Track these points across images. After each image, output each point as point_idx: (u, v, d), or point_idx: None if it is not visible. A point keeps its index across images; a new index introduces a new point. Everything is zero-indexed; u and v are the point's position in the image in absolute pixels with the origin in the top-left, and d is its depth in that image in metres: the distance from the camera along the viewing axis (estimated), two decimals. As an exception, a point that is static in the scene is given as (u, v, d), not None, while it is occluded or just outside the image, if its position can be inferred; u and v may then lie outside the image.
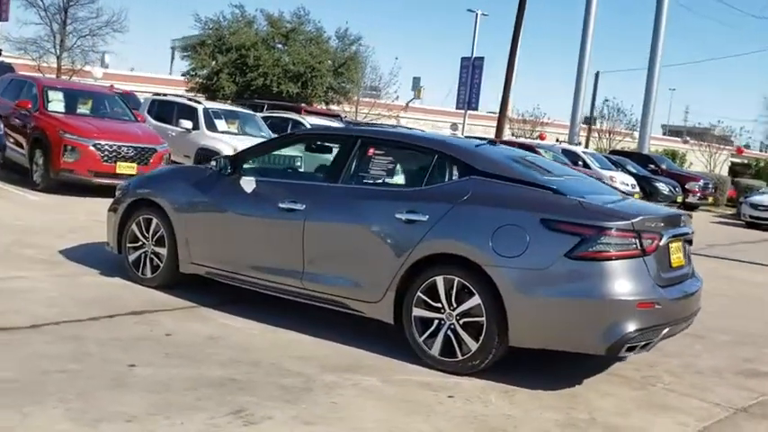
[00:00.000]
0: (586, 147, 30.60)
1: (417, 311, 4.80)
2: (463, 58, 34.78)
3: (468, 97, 34.26)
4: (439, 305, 4.71)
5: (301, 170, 6.56)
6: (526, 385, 4.57)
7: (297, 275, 5.32)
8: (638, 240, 4.40)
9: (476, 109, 36.89)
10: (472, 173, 4.90)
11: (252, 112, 15.63)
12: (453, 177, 5.01)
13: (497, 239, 4.51)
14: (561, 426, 4.03)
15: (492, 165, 4.96)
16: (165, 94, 16.05)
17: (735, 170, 44.98)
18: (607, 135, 38.73)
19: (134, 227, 6.28)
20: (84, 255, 7.08)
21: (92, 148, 11.12)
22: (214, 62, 26.00)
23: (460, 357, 4.62)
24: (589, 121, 41.49)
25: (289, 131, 16.41)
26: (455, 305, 4.64)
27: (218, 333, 5.09)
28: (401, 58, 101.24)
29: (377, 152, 5.34)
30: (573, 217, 4.43)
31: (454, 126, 38.41)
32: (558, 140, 26.59)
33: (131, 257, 6.28)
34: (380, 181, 5.27)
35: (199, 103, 14.62)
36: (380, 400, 4.11)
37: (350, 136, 5.54)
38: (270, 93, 25.41)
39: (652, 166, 26.74)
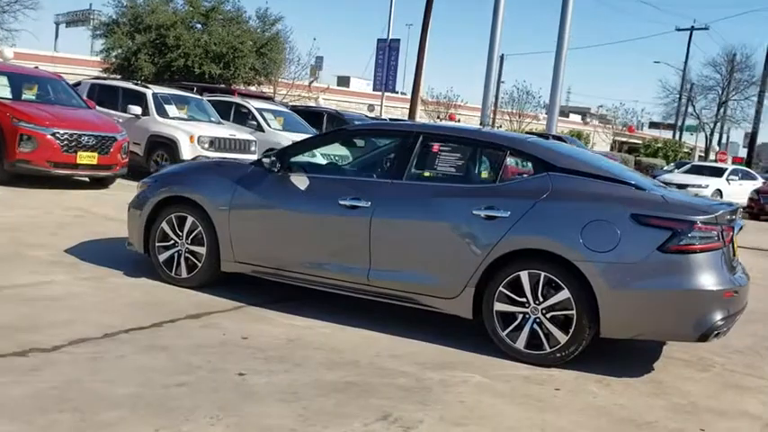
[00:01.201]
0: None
1: (499, 306, 4.88)
2: (379, 40, 34.76)
3: (384, 79, 34.34)
4: (523, 299, 4.81)
5: (356, 166, 6.44)
6: (612, 373, 4.76)
7: (362, 272, 5.28)
8: (719, 233, 4.66)
9: (393, 91, 37.08)
10: (549, 169, 5.00)
11: (200, 97, 15.11)
12: (529, 174, 5.11)
13: (587, 235, 4.65)
14: (672, 412, 4.23)
15: (568, 161, 5.08)
16: (105, 78, 15.23)
17: (613, 147, 49.05)
18: (517, 117, 39.96)
19: (164, 225, 6.03)
20: (94, 254, 6.73)
21: (50, 137, 10.49)
22: (131, 42, 24.82)
23: (549, 350, 4.75)
24: (495, 103, 42.60)
25: (232, 115, 16.04)
26: (541, 299, 4.76)
27: (292, 334, 5.00)
28: (318, 40, 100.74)
29: (443, 148, 5.35)
30: (663, 212, 4.62)
31: (371, 107, 38.52)
32: (481, 124, 27.17)
33: (162, 257, 6.04)
34: (449, 177, 5.27)
35: (147, 87, 13.99)
36: (500, 398, 4.17)
37: (410, 132, 5.49)
38: (191, 74, 24.58)
39: (566, 147, 27.87)
